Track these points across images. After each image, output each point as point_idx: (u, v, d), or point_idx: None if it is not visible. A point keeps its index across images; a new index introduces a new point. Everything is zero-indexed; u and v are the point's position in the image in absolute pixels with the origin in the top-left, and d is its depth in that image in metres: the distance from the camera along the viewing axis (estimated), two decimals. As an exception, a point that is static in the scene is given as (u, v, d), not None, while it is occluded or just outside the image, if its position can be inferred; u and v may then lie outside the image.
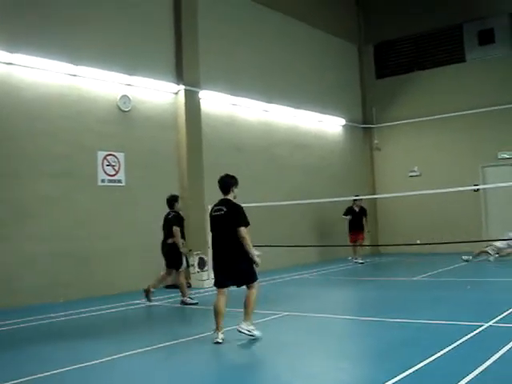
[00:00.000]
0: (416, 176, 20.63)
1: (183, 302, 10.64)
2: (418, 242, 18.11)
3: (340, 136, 20.81)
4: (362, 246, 17.78)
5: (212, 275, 12.91)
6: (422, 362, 5.65)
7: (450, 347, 6.20)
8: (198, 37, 14.79)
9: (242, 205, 7.47)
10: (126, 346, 7.06)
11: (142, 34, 13.62)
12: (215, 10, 15.68)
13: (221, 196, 7.60)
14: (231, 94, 15.77)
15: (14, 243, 10.89)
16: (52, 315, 9.65)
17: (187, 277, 12.31)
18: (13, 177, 10.99)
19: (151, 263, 12.69)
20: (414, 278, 13.22)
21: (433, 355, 5.88)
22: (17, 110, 11.22)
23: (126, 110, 13.12)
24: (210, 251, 12.86)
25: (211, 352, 6.88)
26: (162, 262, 11.02)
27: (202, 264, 13.24)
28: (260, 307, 7.96)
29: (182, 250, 10.74)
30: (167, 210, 11.01)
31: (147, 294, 10.77)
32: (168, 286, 12.88)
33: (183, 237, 10.81)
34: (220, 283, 7.39)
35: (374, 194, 21.11)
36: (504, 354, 5.85)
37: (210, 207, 13.32)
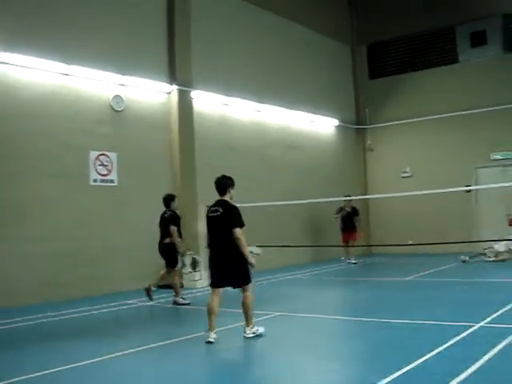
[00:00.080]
0: (408, 177, 20.68)
1: (175, 302, 10.63)
2: (410, 242, 18.15)
3: (333, 136, 20.84)
4: (353, 246, 17.80)
5: (205, 275, 13.00)
6: (412, 362, 5.67)
7: (442, 347, 6.22)
8: (190, 37, 14.78)
9: (235, 205, 7.49)
10: (118, 346, 7.05)
11: (135, 34, 13.60)
12: (208, 10, 15.67)
13: (215, 196, 7.62)
14: (224, 94, 15.76)
15: (7, 243, 10.85)
16: (39, 316, 9.61)
17: (180, 277, 12.30)
18: (5, 176, 10.95)
19: (143, 263, 12.71)
20: (407, 279, 13.25)
21: (424, 355, 5.89)
22: (10, 110, 11.18)
23: (119, 109, 13.09)
24: (202, 251, 12.99)
25: (203, 352, 6.88)
26: (156, 261, 11.01)
27: (194, 264, 13.23)
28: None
29: (180, 249, 10.77)
30: (160, 209, 11.00)
31: (148, 292, 10.74)
32: (160, 286, 12.86)
33: (180, 236, 10.83)
34: (215, 283, 7.42)
35: (366, 194, 21.15)
36: (495, 354, 5.88)
37: (202, 207, 13.41)
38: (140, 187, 13.31)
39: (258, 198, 14.74)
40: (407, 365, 5.57)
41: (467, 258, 15.95)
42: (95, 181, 12.47)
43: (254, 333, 7.32)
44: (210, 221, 7.53)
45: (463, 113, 19.40)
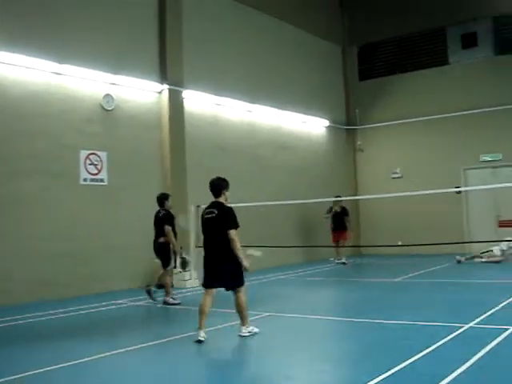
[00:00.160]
0: (398, 178, 20.74)
1: (165, 302, 10.60)
2: (400, 243, 18.20)
3: (323, 137, 20.86)
4: (343, 246, 17.83)
5: (194, 275, 12.99)
6: (402, 363, 5.68)
7: (431, 348, 6.24)
8: (182, 36, 14.76)
9: (230, 206, 7.53)
10: (108, 346, 7.02)
11: (127, 33, 13.55)
12: (200, 10, 15.65)
13: (206, 196, 7.64)
14: (215, 94, 15.74)
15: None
16: (30, 315, 9.57)
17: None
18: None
19: (134, 262, 12.70)
20: (396, 279, 13.28)
21: (413, 356, 5.91)
22: (0, 108, 11.13)
23: (110, 109, 13.04)
24: (192, 251, 12.98)
25: (193, 352, 6.86)
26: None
27: (184, 264, 13.20)
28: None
29: (176, 249, 10.85)
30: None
31: (149, 293, 10.74)
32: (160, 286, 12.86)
33: (175, 235, 10.84)
34: (207, 284, 7.44)
35: (356, 195, 21.18)
36: (484, 355, 5.91)
37: (192, 207, 13.41)
38: (130, 187, 13.26)
39: (249, 198, 14.72)
40: (397, 365, 5.59)
41: (463, 259, 16.00)
42: (85, 180, 12.42)
43: (249, 332, 7.36)
44: (205, 222, 7.55)
45: (453, 114, 19.49)
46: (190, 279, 13.01)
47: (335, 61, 22.02)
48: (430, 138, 20.14)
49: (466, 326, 7.34)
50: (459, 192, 17.77)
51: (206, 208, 7.61)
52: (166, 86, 14.18)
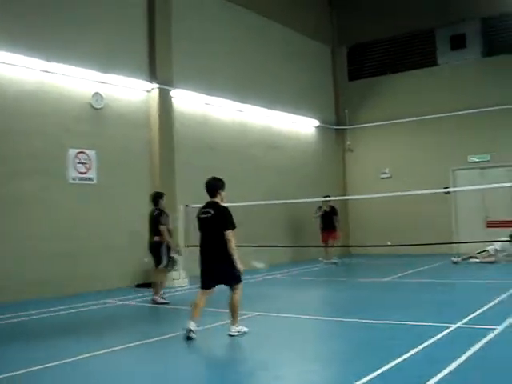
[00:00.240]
0: (387, 178, 20.81)
1: (154, 301, 10.57)
2: (389, 243, 18.27)
3: (313, 137, 20.89)
4: (333, 246, 17.84)
5: (183, 275, 12.96)
6: (390, 363, 5.70)
7: (419, 348, 6.27)
8: (171, 35, 14.72)
9: (226, 206, 7.57)
10: (97, 345, 6.99)
11: (116, 32, 13.50)
12: (189, 9, 15.61)
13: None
14: (205, 94, 15.72)
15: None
16: (20, 314, 9.52)
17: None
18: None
19: (124, 261, 12.67)
20: (385, 279, 13.32)
21: (401, 356, 5.93)
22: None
23: (99, 107, 12.99)
24: (182, 250, 12.94)
25: (182, 351, 6.86)
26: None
27: (173, 263, 13.15)
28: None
29: (173, 248, 10.91)
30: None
31: (161, 296, 10.73)
32: (138, 285, 12.83)
33: (170, 235, 10.85)
34: (205, 284, 7.48)
35: (345, 195, 21.21)
36: (471, 355, 5.93)
37: (181, 207, 13.40)
38: (119, 185, 13.22)
39: (238, 198, 14.68)
40: (385, 365, 5.60)
41: (459, 259, 16.06)
42: (74, 179, 12.36)
43: (238, 331, 7.37)
44: (201, 222, 7.55)
45: (441, 115, 19.58)
46: (179, 278, 12.97)
47: (324, 61, 22.05)
48: (420, 139, 20.23)
49: (454, 326, 7.37)
50: (448, 192, 17.86)
51: (202, 208, 7.61)
52: (155, 85, 14.14)
